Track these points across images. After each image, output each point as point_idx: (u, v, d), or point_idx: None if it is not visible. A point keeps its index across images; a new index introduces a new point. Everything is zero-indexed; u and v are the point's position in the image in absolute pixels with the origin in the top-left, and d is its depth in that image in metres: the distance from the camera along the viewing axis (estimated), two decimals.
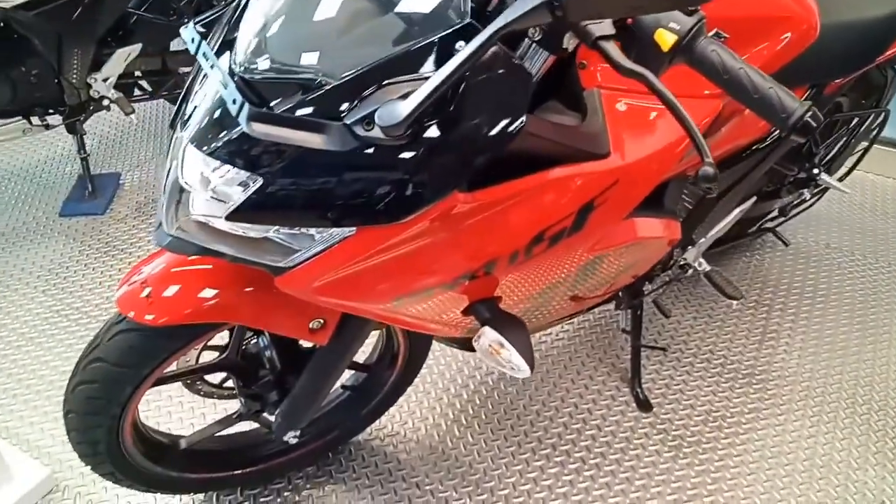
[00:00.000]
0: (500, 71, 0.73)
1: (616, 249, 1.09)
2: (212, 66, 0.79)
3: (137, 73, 2.42)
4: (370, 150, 0.73)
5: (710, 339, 1.92)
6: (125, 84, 2.39)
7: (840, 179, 2.02)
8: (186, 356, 1.25)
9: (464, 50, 0.64)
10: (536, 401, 1.73)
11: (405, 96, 0.68)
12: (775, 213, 2.03)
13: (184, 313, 0.98)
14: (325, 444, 1.51)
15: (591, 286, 1.21)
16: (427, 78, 0.68)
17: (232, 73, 0.78)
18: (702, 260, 1.70)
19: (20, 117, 2.24)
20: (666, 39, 0.75)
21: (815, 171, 1.73)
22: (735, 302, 1.98)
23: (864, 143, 1.99)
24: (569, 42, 0.78)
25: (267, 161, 0.76)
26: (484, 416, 1.69)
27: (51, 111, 2.24)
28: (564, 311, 1.34)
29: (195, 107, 0.83)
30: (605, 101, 0.97)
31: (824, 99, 1.49)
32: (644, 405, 1.73)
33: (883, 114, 1.89)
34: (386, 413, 1.64)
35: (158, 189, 0.92)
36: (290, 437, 1.25)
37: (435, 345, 1.76)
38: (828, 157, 1.92)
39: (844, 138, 1.91)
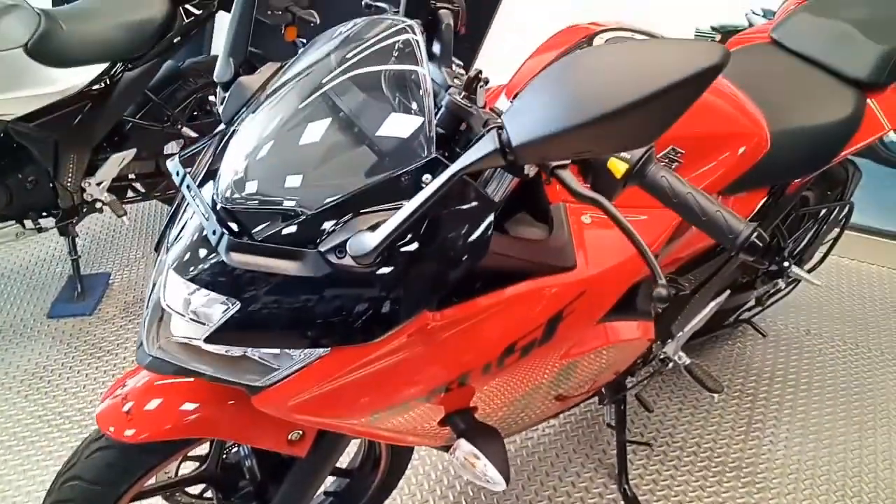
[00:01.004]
0: (466, 200, 0.78)
1: (590, 354, 1.12)
2: (194, 198, 0.84)
3: (131, 176, 2.50)
4: (343, 276, 0.77)
5: (696, 432, 1.92)
6: (119, 186, 2.46)
7: (812, 269, 2.08)
8: (166, 468, 1.25)
9: (426, 188, 0.69)
10: (524, 500, 1.71)
11: (375, 227, 0.73)
12: (752, 304, 2.08)
13: (164, 429, 0.99)
14: None
15: (571, 388, 1.23)
16: (396, 208, 0.73)
17: (214, 203, 0.83)
18: (681, 353, 1.72)
19: (14, 221, 2.29)
20: (618, 167, 0.81)
21: (786, 263, 1.78)
22: (717, 395, 1.99)
23: (836, 233, 2.06)
24: (529, 169, 0.84)
25: (244, 286, 0.79)
26: None
27: (44, 214, 2.30)
28: (547, 411, 1.35)
29: (179, 233, 0.87)
30: (570, 214, 1.03)
31: (787, 197, 1.57)
32: (632, 502, 1.71)
33: (847, 206, 1.97)
34: None
35: (142, 308, 0.95)
36: None
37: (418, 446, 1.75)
38: (798, 249, 1.99)
39: (813, 230, 1.98)
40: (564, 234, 0.99)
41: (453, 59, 0.99)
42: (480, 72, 0.87)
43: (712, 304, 1.69)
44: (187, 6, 2.32)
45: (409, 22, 0.90)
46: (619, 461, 1.75)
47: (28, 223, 2.29)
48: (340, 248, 0.75)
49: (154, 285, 0.91)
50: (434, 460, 1.79)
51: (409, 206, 0.69)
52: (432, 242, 0.78)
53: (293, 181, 0.81)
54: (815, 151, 1.49)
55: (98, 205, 2.34)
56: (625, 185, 0.82)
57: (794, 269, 1.79)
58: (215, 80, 0.94)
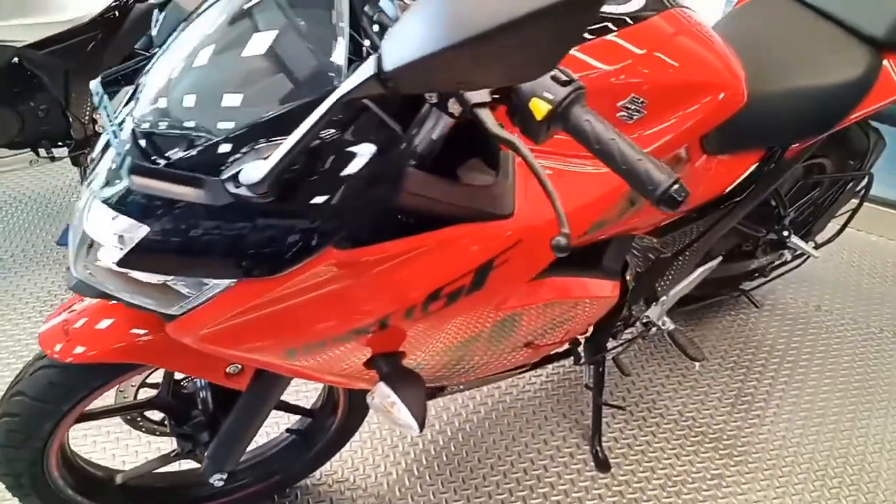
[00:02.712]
0: (372, 133, 0.75)
1: (534, 308, 1.08)
2: (108, 120, 0.83)
3: None
4: (244, 207, 0.75)
5: (680, 400, 1.87)
6: None
7: (825, 243, 1.97)
8: (124, 392, 1.28)
9: (309, 117, 0.66)
10: (492, 454, 1.71)
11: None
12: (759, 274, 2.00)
13: (100, 352, 1.01)
14: (268, 488, 1.50)
15: (519, 341, 1.19)
16: None
17: (131, 127, 0.81)
18: (666, 318, 1.67)
19: (28, 149, 2.35)
20: (539, 108, 0.76)
21: (785, 233, 1.70)
22: (698, 363, 1.93)
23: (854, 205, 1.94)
24: (453, 107, 0.80)
25: (152, 211, 0.78)
26: (437, 468, 1.67)
27: (58, 144, 2.35)
28: (505, 363, 1.32)
29: (101, 156, 0.87)
30: (518, 161, 0.98)
31: (785, 162, 1.47)
32: (602, 465, 1.68)
33: (866, 177, 1.85)
34: (338, 458, 1.64)
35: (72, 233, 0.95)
36: (216, 480, 1.25)
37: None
38: (804, 220, 1.88)
39: (825, 200, 1.87)
40: (506, 181, 0.95)
41: None
42: None
43: (700, 269, 1.62)
44: None
45: None
46: (594, 423, 1.72)
47: (41, 152, 2.34)
48: (237, 177, 0.73)
49: (79, 210, 0.91)
50: None
51: (293, 137, 0.67)
52: (334, 176, 0.75)
53: (204, 107, 0.79)
54: (818, 113, 1.40)
55: None
56: (549, 129, 0.78)
57: (794, 239, 1.70)
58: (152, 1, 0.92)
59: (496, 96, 0.82)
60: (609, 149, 0.75)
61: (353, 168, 0.75)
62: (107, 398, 1.24)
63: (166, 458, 1.36)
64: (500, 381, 1.84)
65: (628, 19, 1.04)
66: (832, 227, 1.95)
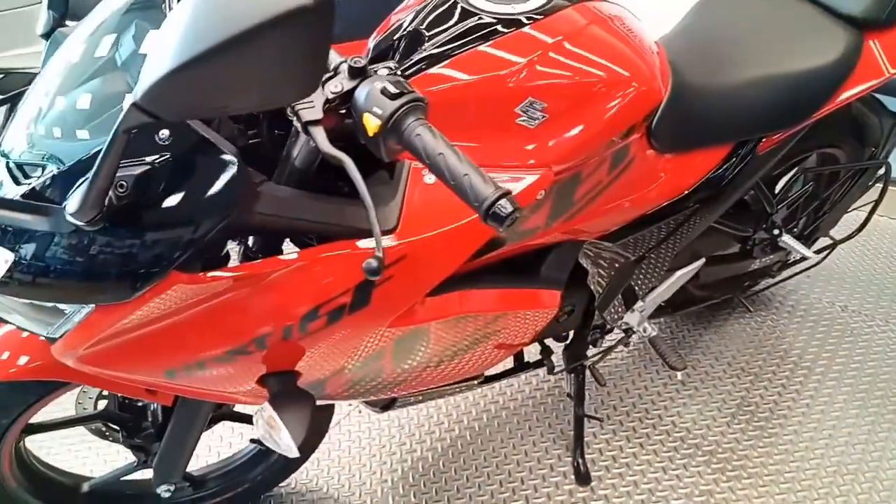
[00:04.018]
0: (199, 156, 0.74)
1: (443, 322, 1.04)
2: None
3: None
4: (89, 233, 0.76)
5: (676, 409, 1.77)
6: None
7: (844, 240, 1.82)
8: (83, 403, 1.33)
9: (103, 149, 0.65)
10: (469, 465, 1.67)
11: None
12: (772, 274, 1.87)
13: (9, 372, 1.05)
14: (237, 497, 1.52)
15: (434, 356, 1.14)
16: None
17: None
18: (647, 324, 1.59)
19: None
20: (370, 124, 0.73)
21: (776, 231, 1.57)
22: (679, 372, 1.82)
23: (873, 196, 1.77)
24: (297, 124, 0.78)
25: (16, 239, 0.80)
26: (411, 478, 1.65)
27: None
28: (444, 375, 1.26)
29: None
30: (413, 173, 0.95)
31: (760, 157, 1.36)
32: (583, 478, 1.61)
33: (884, 167, 1.69)
34: (315, 466, 1.65)
35: None
36: (164, 491, 1.28)
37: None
38: (813, 216, 1.74)
39: (833, 195, 1.72)
40: (394, 195, 0.92)
41: None
42: None
43: (680, 272, 1.53)
44: None
45: None
46: (575, 434, 1.65)
47: None
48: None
49: None
50: (393, 416, 1.79)
51: (95, 167, 0.66)
52: (165, 199, 0.75)
53: (58, 135, 0.80)
54: (790, 102, 1.28)
55: None
56: (385, 144, 0.74)
57: (786, 238, 1.57)
58: (37, 32, 0.94)
59: (342, 111, 0.79)
60: (438, 163, 0.71)
61: (185, 193, 0.74)
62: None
63: (130, 467, 1.41)
64: (468, 392, 1.80)
65: (535, 15, 0.98)
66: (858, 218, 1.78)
